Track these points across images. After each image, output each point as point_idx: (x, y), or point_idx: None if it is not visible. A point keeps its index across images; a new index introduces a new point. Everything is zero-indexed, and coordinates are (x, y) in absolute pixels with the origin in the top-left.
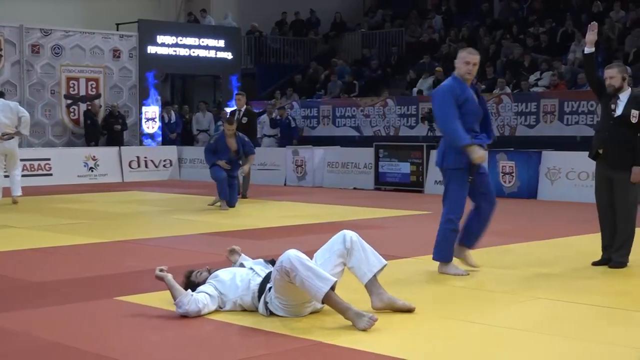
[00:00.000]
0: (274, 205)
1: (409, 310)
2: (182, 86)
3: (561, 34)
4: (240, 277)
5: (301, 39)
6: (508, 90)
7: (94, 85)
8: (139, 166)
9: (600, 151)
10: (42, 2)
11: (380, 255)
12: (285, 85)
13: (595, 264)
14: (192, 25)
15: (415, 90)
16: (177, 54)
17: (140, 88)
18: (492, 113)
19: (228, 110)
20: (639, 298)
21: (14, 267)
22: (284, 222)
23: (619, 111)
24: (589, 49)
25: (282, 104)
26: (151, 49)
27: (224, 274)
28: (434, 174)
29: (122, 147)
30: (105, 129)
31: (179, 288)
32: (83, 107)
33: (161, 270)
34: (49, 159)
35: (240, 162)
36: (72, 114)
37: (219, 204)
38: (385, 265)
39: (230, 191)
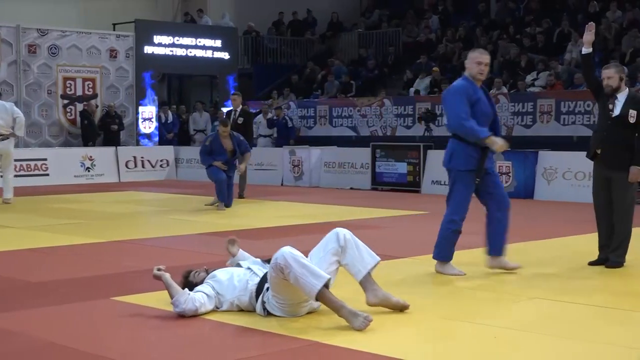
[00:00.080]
0: (271, 205)
1: (404, 307)
2: (179, 86)
3: (558, 34)
4: (238, 277)
5: (298, 39)
6: (505, 90)
7: (90, 85)
8: (135, 166)
9: (599, 151)
10: (39, 2)
11: (374, 252)
12: (282, 85)
13: (591, 263)
14: (189, 25)
15: (412, 90)
16: (174, 54)
17: (137, 88)
18: None
19: (225, 110)
20: (636, 298)
21: (12, 268)
22: (280, 222)
23: (617, 111)
24: (586, 50)
25: (279, 104)
26: (148, 49)
27: (221, 274)
28: (430, 174)
29: (118, 147)
30: (101, 129)
31: (176, 287)
32: (80, 107)
33: (159, 270)
34: (45, 159)
35: (237, 162)
36: (68, 114)
37: (217, 204)
38: (378, 262)
39: (227, 192)
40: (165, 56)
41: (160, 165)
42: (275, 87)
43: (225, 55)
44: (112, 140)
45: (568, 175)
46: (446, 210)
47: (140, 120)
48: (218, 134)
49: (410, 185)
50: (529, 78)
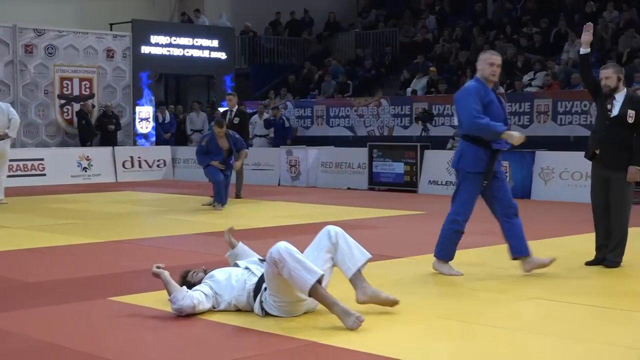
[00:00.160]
0: (268, 205)
1: (394, 303)
2: (176, 86)
3: (554, 34)
4: (236, 277)
5: (295, 39)
6: (502, 90)
7: (87, 85)
8: (132, 166)
9: (597, 152)
10: (36, 2)
11: (365, 250)
12: (279, 85)
13: (588, 263)
14: (186, 25)
15: (409, 90)
16: (171, 54)
17: (134, 88)
18: None
19: (221, 110)
20: (635, 298)
21: (9, 268)
22: (277, 222)
23: (615, 111)
24: (584, 50)
25: (276, 104)
26: (145, 49)
27: (219, 274)
28: (427, 174)
29: (115, 147)
30: (98, 129)
31: (174, 284)
32: (77, 107)
33: (158, 267)
34: (42, 159)
35: (233, 161)
36: (65, 114)
37: (214, 204)
38: (369, 259)
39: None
40: (162, 56)
41: (157, 165)
42: (273, 87)
43: (222, 55)
44: (109, 140)
45: (565, 175)
46: (450, 209)
47: (137, 120)
48: (214, 134)
49: (407, 185)
50: (525, 78)
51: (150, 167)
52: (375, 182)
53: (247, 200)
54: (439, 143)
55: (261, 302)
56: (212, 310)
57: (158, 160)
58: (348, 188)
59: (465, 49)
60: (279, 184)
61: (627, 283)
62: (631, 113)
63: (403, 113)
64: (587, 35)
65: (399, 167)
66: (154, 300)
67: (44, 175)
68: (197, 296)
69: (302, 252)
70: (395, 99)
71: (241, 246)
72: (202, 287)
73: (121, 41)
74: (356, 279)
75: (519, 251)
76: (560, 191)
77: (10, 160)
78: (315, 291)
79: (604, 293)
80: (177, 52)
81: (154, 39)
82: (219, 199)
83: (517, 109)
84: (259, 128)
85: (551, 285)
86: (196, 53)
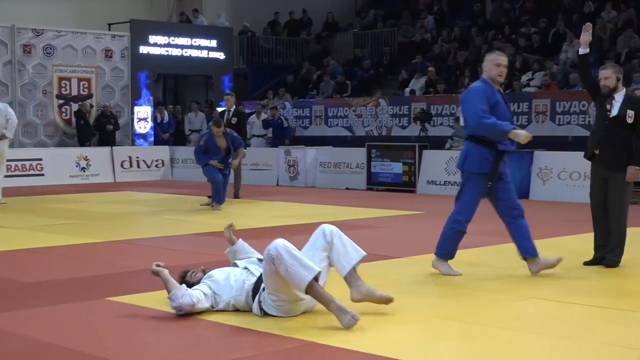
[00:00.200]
0: (266, 205)
1: (388, 300)
2: (174, 86)
3: (553, 34)
4: (235, 277)
5: (293, 39)
6: (500, 90)
7: (85, 86)
8: (131, 166)
9: (596, 152)
10: (34, 2)
11: (360, 248)
12: (277, 85)
13: (586, 263)
14: (184, 25)
15: (407, 90)
16: (169, 54)
17: (132, 88)
18: None
19: (219, 110)
20: (634, 298)
21: (8, 268)
22: (276, 222)
23: (614, 111)
24: (583, 50)
25: (275, 104)
26: (143, 49)
27: (218, 274)
28: (426, 174)
29: (114, 147)
30: (97, 129)
31: (174, 282)
32: (75, 107)
33: (158, 265)
34: (40, 159)
35: (231, 159)
36: (64, 114)
37: (212, 204)
38: (364, 256)
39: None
40: (160, 56)
41: (156, 165)
42: (271, 87)
43: (220, 55)
44: (107, 140)
45: (563, 175)
46: (453, 208)
47: (135, 120)
48: (212, 133)
49: (405, 185)
50: (524, 78)
51: (148, 167)
52: (374, 182)
53: (246, 200)
54: (437, 143)
55: (260, 302)
56: (211, 310)
57: (156, 161)
58: (346, 188)
59: (464, 49)
60: (277, 184)
61: (627, 283)
62: (630, 113)
63: (401, 113)
64: (586, 36)
65: (398, 167)
66: (153, 300)
67: (42, 175)
68: (196, 294)
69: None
70: (394, 99)
71: (241, 243)
72: (201, 287)
73: (119, 41)
74: (351, 277)
75: (526, 251)
76: (558, 191)
77: (9, 160)
78: (312, 288)
79: (604, 293)
80: (175, 52)
81: (152, 39)
82: (218, 199)
83: (516, 109)
84: (257, 128)
85: (551, 285)
86: (194, 53)
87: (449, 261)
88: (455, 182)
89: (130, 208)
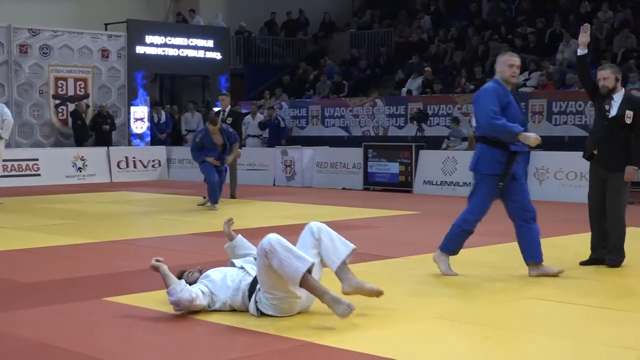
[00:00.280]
0: (263, 205)
1: (379, 293)
2: (171, 86)
3: (549, 34)
4: (231, 277)
5: (290, 39)
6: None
7: (82, 86)
8: (127, 166)
9: (595, 152)
10: (31, 2)
11: (349, 242)
12: (274, 85)
13: (582, 263)
14: (181, 25)
15: (404, 90)
16: (166, 54)
17: (129, 88)
18: None
19: (215, 109)
20: (634, 298)
21: (4, 268)
22: (272, 222)
23: (613, 112)
24: (581, 51)
25: (271, 104)
26: (140, 49)
27: (215, 274)
28: (422, 174)
29: (110, 148)
30: (93, 129)
31: (173, 277)
32: (71, 107)
33: (157, 261)
34: (37, 159)
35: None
36: (60, 114)
37: (208, 204)
38: (353, 249)
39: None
40: (157, 56)
41: (152, 166)
42: (268, 87)
43: (217, 56)
44: (104, 140)
45: (560, 175)
46: (465, 208)
47: (132, 121)
48: (207, 131)
49: (402, 185)
50: (520, 78)
51: (145, 167)
52: (370, 182)
53: (242, 200)
54: (434, 143)
55: (256, 302)
56: (207, 309)
57: (153, 161)
58: (343, 188)
59: (461, 49)
60: (274, 184)
61: (626, 283)
62: (629, 114)
63: (398, 113)
64: (584, 37)
65: (394, 167)
66: (150, 300)
67: (39, 175)
68: (195, 290)
69: None
70: (390, 99)
71: (240, 238)
72: (198, 286)
73: (116, 41)
74: (341, 272)
75: (532, 256)
76: (555, 191)
77: (5, 161)
78: (306, 280)
79: (603, 293)
80: (172, 52)
81: (149, 39)
82: (213, 199)
83: None
84: (252, 128)
85: (550, 285)
86: (191, 53)
87: (449, 260)
88: (452, 182)
89: (127, 208)
